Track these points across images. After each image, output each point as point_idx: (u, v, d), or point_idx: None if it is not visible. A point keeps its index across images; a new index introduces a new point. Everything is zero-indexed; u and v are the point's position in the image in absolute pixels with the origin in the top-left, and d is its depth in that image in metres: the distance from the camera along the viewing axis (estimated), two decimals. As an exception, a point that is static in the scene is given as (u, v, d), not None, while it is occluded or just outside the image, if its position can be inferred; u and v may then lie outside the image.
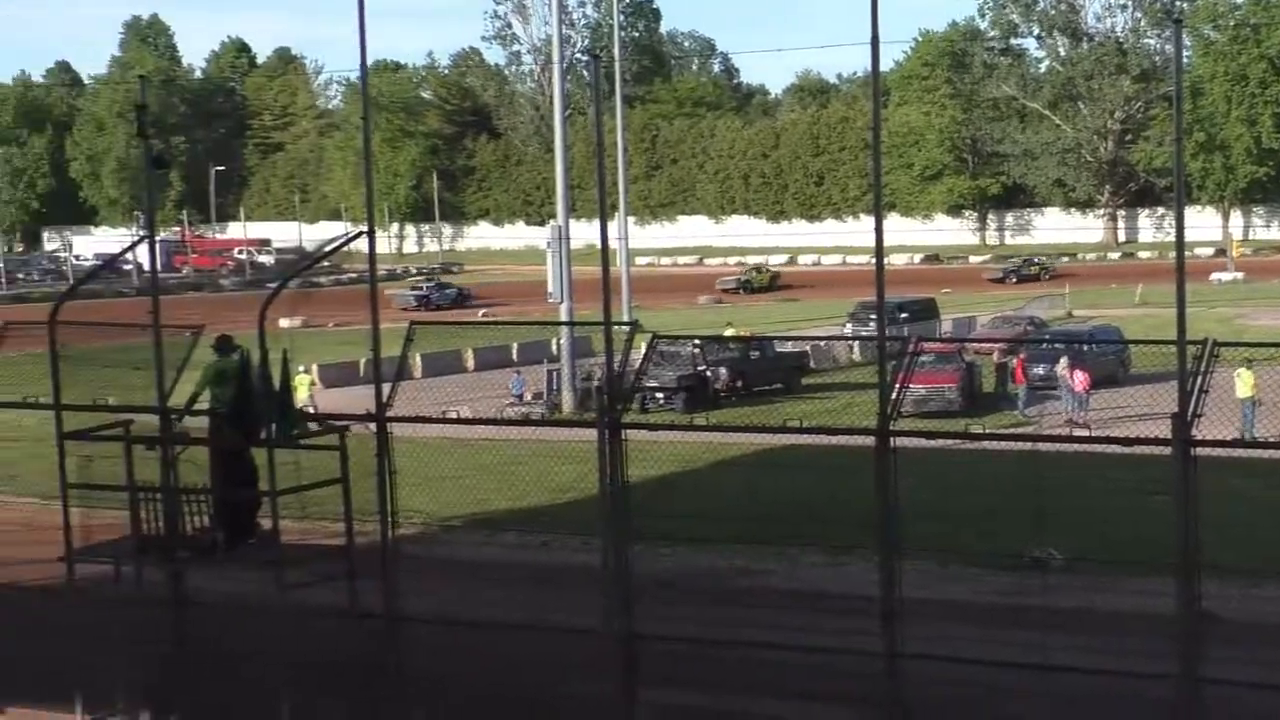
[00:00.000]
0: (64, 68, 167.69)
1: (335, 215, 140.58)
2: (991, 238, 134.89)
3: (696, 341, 48.17)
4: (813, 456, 25.60)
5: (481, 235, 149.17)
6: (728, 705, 19.34)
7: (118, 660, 18.20)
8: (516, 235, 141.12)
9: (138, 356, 19.53)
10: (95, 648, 18.34)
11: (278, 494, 17.38)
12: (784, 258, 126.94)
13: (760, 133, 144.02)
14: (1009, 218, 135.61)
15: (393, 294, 79.02)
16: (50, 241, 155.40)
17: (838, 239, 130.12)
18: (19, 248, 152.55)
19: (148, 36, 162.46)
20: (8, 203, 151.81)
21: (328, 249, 21.67)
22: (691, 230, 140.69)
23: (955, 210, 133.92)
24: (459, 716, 19.00)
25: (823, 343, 55.34)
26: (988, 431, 20.88)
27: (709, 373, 47.43)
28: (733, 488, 28.38)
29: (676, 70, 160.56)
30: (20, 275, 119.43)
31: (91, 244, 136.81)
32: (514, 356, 55.49)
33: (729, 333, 53.38)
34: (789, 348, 52.59)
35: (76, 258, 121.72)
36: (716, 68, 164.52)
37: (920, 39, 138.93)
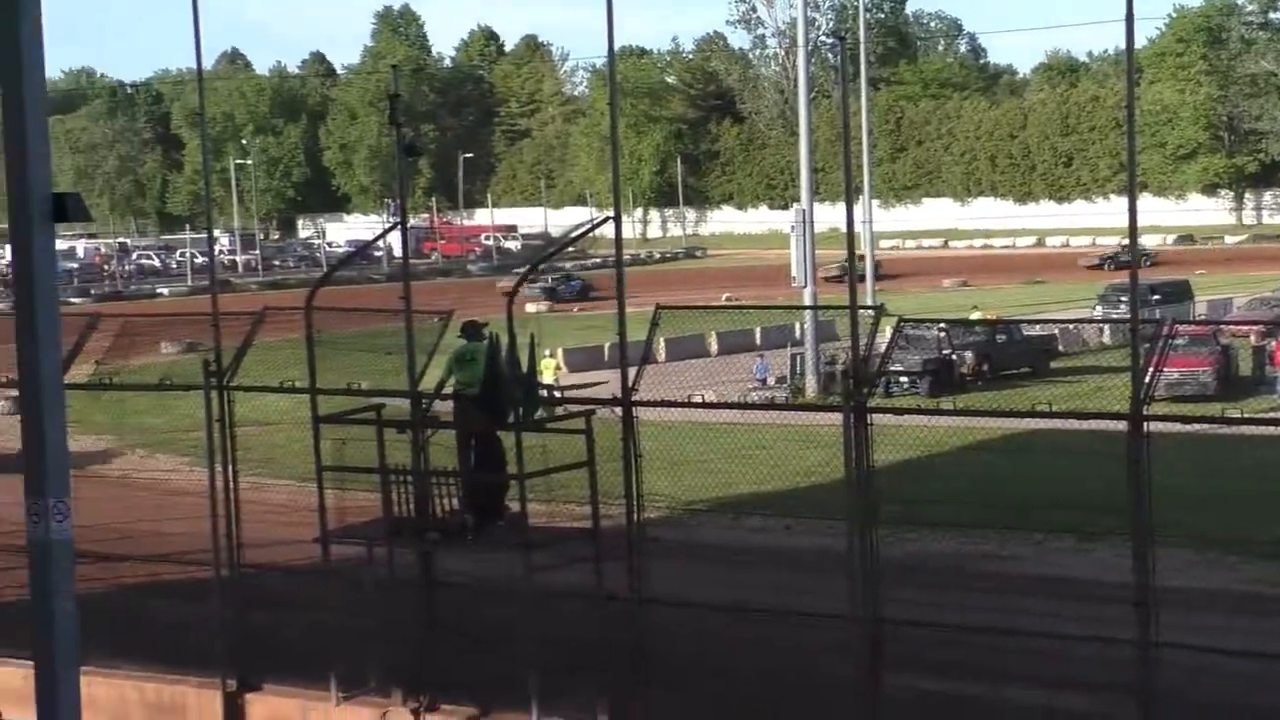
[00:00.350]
0: (318, 58, 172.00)
1: (580, 201, 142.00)
2: (1249, 217, 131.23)
3: (942, 325, 47.66)
4: (1061, 441, 25.18)
5: (725, 219, 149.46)
6: (975, 692, 19.14)
7: (370, 640, 18.60)
8: (759, 219, 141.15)
9: (389, 341, 19.92)
10: (349, 627, 18.76)
11: (525, 477, 17.60)
12: (1030, 239, 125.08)
13: (1007, 113, 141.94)
14: (1267, 196, 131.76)
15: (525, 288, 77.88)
16: (305, 229, 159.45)
17: (1087, 220, 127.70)
18: (275, 235, 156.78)
19: (399, 26, 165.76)
20: (264, 191, 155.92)
21: (574, 234, 21.90)
22: (936, 213, 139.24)
23: (1210, 189, 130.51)
24: (708, 698, 19.09)
25: (1071, 326, 54.37)
26: (1245, 416, 20.25)
27: (954, 356, 46.92)
28: (978, 472, 28.05)
29: (922, 51, 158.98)
30: (276, 262, 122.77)
31: (344, 231, 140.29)
32: (757, 341, 55.46)
33: (975, 316, 52.73)
34: (1037, 331, 51.76)
35: (329, 245, 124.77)
36: (963, 48, 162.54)
37: (1174, 15, 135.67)
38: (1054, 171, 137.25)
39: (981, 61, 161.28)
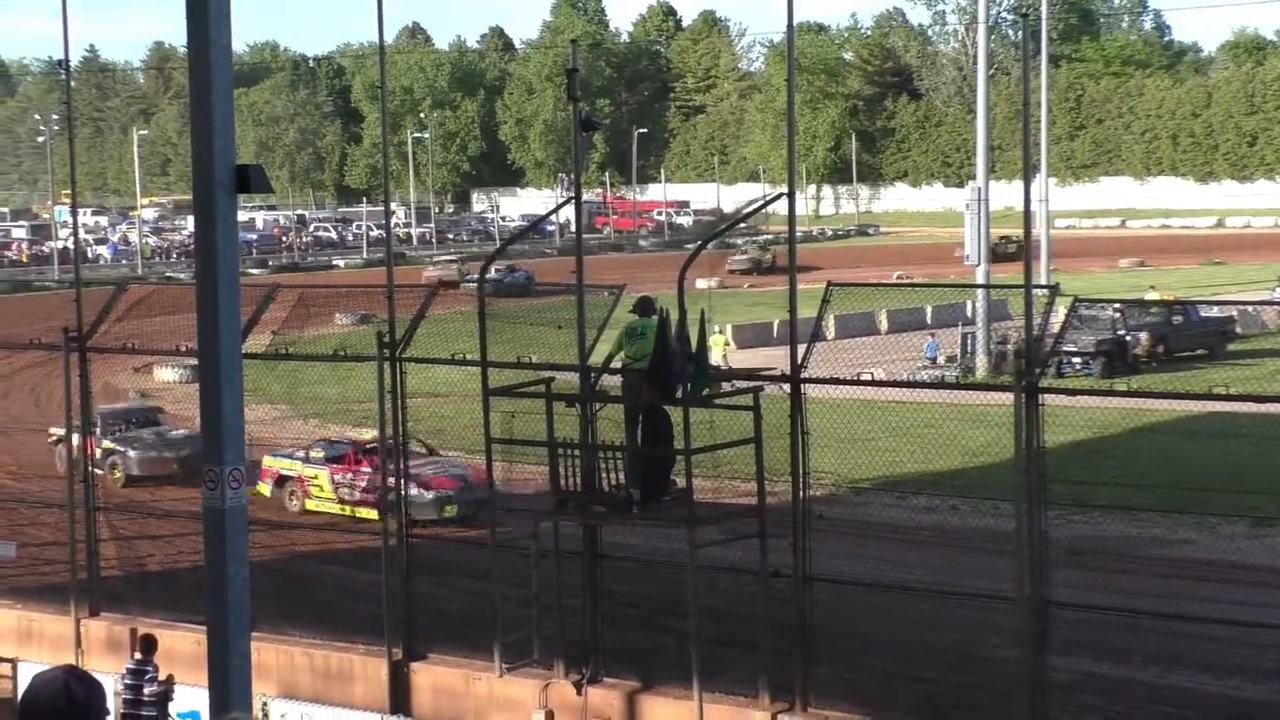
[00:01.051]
0: (497, 33, 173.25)
1: (753, 177, 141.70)
2: None
3: (1118, 305, 46.91)
4: (1236, 425, 24.70)
5: (898, 197, 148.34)
6: (1144, 677, 18.90)
7: (534, 612, 18.77)
8: (933, 197, 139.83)
9: (560, 315, 20.06)
10: (513, 599, 18.95)
11: (692, 452, 17.64)
12: (1211, 220, 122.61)
13: (1191, 91, 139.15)
14: None
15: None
16: (479, 203, 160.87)
17: (1271, 200, 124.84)
18: (450, 209, 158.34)
19: (578, 2, 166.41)
20: (440, 165, 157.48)
21: (747, 211, 21.84)
22: (1114, 191, 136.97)
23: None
24: (871, 676, 19.05)
25: (1251, 308, 53.23)
26: None
27: (1129, 337, 46.19)
28: (1150, 455, 27.58)
29: (1105, 28, 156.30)
30: (450, 235, 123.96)
31: (517, 205, 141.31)
32: (928, 319, 55.01)
33: (1152, 296, 51.83)
34: (1214, 312, 50.75)
35: (503, 219, 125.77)
36: (1147, 25, 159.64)
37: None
38: (1238, 150, 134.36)
39: (1166, 39, 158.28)
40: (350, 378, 23.94)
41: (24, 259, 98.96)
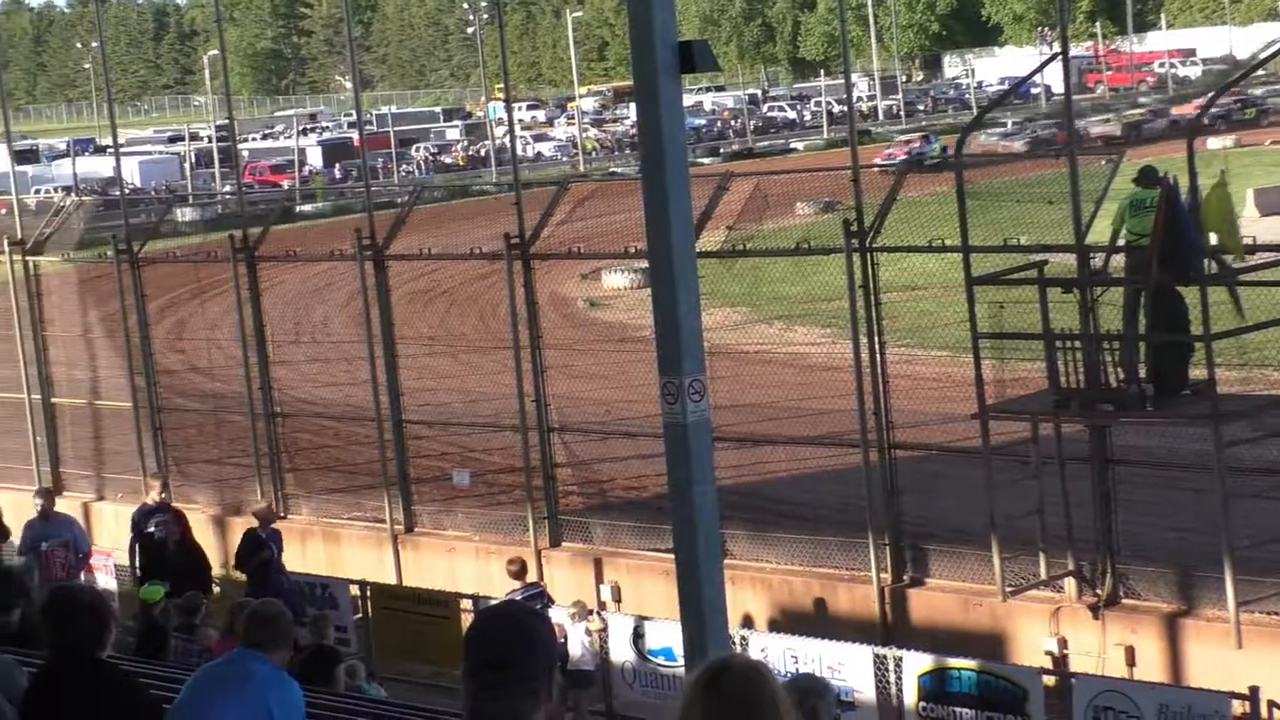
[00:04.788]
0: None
1: (1272, 16, 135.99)
2: None
3: None
4: None
5: None
6: None
7: (1038, 527, 18.57)
8: None
9: (1050, 190, 19.67)
10: (1012, 513, 18.77)
11: (1212, 338, 17.12)
12: None
13: None
14: None
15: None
16: (951, 67, 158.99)
17: None
18: (918, 76, 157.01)
19: None
20: (905, 27, 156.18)
21: (1263, 56, 20.95)
22: None
23: None
24: None
25: None
26: None
27: None
28: None
29: None
30: (920, 107, 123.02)
31: (995, 67, 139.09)
32: None
33: None
34: None
35: (979, 84, 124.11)
36: None
37: None
38: None
39: None
40: (816, 273, 23.91)
41: (460, 162, 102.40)
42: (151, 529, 22.30)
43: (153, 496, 22.98)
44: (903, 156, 66.75)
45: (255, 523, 22.23)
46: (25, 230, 29.93)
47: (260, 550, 21.56)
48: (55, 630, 8.57)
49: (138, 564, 22.50)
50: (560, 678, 18.58)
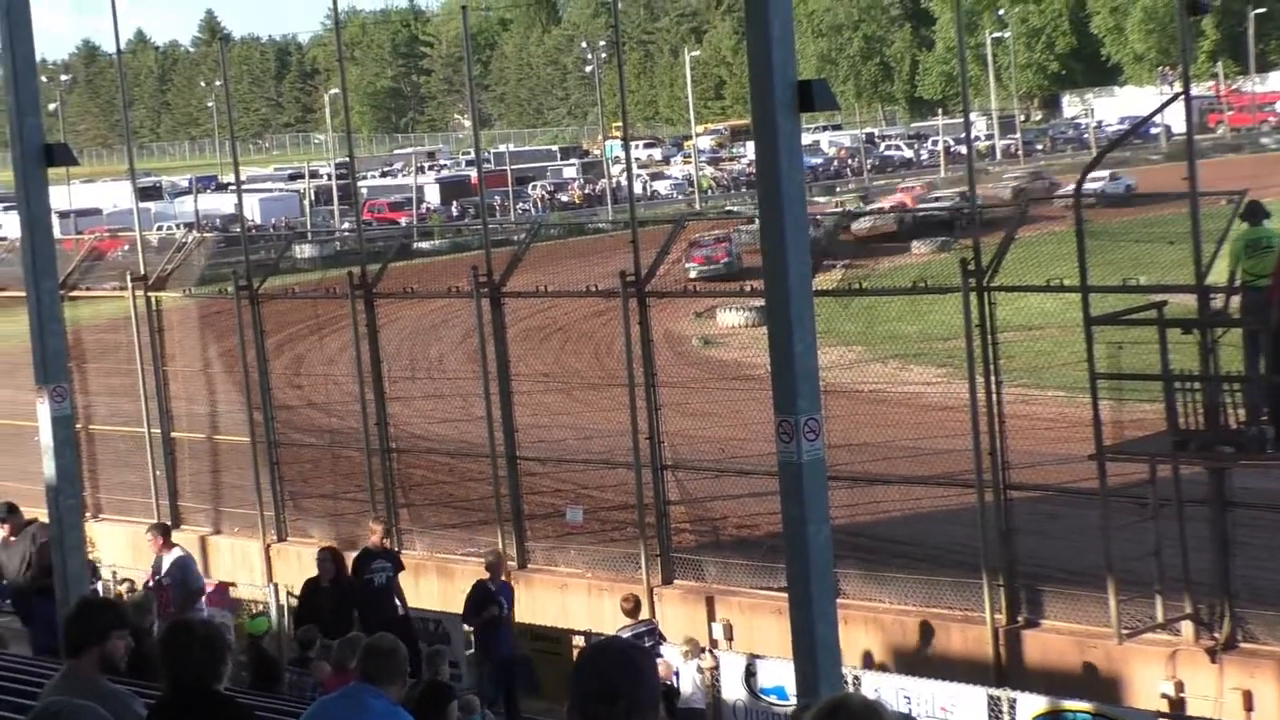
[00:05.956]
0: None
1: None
2: None
3: None
4: None
5: None
6: None
7: (1156, 569, 18.40)
8: None
9: (1171, 230, 19.55)
10: (1129, 555, 18.61)
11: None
12: None
13: None
14: None
15: None
16: (1070, 106, 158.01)
17: None
18: (1037, 116, 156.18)
19: None
20: (1024, 67, 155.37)
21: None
22: None
23: None
24: None
25: None
26: None
27: None
28: None
29: None
30: (1039, 146, 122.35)
31: (1114, 106, 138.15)
32: None
33: None
34: None
35: (1099, 124, 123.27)
36: None
37: None
38: None
39: None
40: (932, 312, 23.86)
41: (577, 200, 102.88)
42: (371, 575, 21.82)
43: (374, 540, 22.41)
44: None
45: (485, 574, 21.36)
46: (148, 266, 30.32)
47: (489, 604, 20.90)
48: (171, 662, 8.68)
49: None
50: (667, 715, 18.62)
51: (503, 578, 21.46)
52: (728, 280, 46.51)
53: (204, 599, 22.64)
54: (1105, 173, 65.75)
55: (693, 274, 44.51)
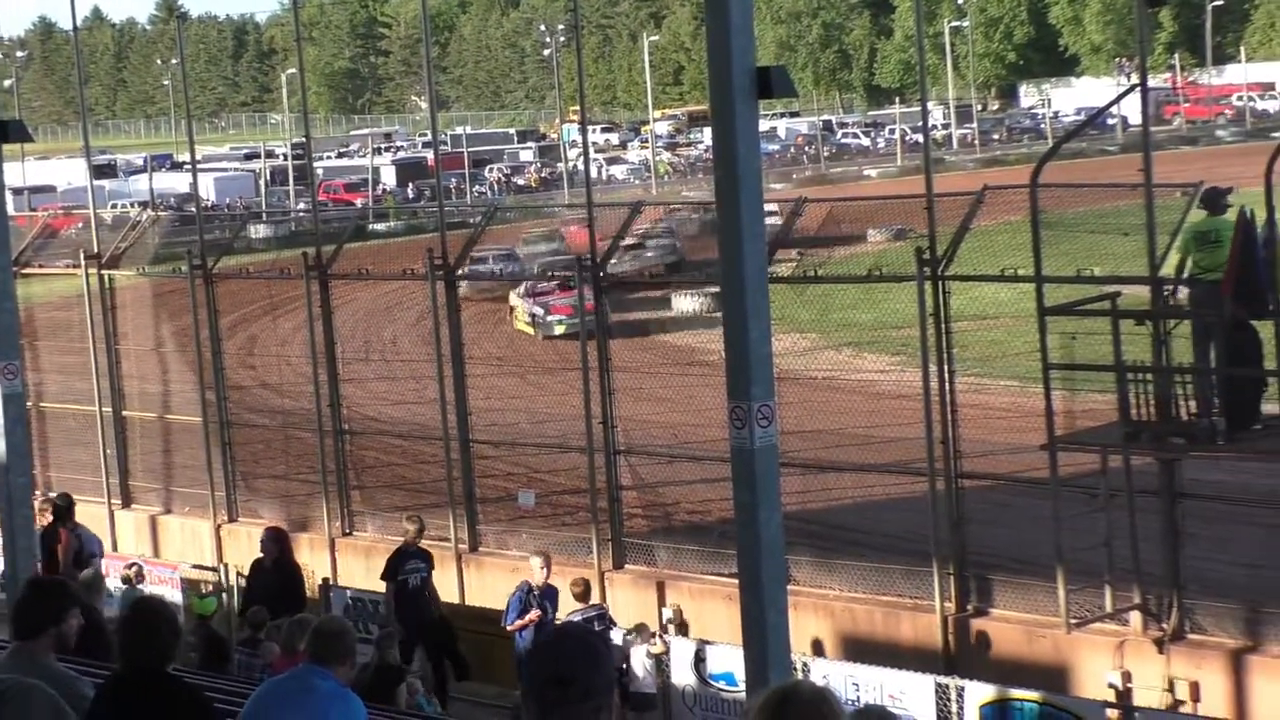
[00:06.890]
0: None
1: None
2: None
3: None
4: None
5: None
6: None
7: (1104, 560, 18.47)
8: None
9: (1125, 221, 19.58)
10: (1079, 545, 18.67)
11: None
12: None
13: None
14: None
15: None
16: (1027, 96, 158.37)
17: None
18: (994, 105, 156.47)
19: None
20: (982, 56, 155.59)
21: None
22: None
23: None
24: None
25: None
26: None
27: None
28: None
29: None
30: (995, 136, 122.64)
31: (1072, 98, 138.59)
32: None
33: None
34: None
35: (1055, 114, 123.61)
36: None
37: None
38: None
39: None
40: (886, 300, 23.90)
41: (534, 183, 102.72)
42: (406, 575, 21.18)
43: (409, 539, 21.61)
44: None
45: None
46: (101, 244, 30.18)
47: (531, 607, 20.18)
48: (134, 642, 8.64)
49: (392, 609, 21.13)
50: (619, 700, 18.63)
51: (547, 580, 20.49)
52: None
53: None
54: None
55: (557, 330, 41.49)
